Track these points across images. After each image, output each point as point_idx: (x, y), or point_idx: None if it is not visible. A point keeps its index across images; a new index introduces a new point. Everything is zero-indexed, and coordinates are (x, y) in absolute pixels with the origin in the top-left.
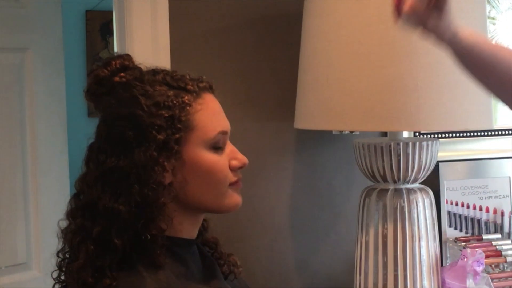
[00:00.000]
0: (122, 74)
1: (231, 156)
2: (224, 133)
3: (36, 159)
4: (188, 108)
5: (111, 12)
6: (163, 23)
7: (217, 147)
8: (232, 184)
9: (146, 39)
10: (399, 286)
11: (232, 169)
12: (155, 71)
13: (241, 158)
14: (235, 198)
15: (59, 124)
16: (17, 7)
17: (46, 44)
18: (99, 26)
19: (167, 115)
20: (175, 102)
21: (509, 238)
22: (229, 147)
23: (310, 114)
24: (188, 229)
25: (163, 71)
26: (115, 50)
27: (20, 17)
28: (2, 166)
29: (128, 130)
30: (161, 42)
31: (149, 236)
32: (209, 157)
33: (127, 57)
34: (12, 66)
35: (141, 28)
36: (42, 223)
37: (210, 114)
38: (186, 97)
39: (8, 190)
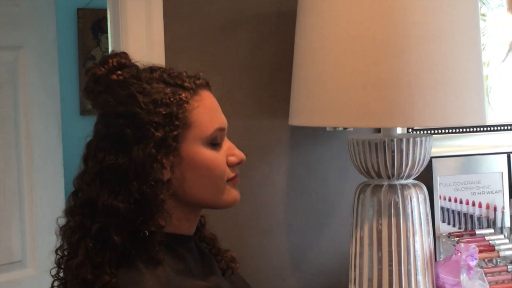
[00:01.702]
0: (119, 72)
1: (229, 152)
2: (221, 129)
3: (30, 157)
4: (185, 105)
5: (102, 10)
6: (158, 21)
7: (214, 144)
8: (230, 180)
9: (141, 37)
10: (394, 281)
11: (230, 165)
12: (152, 69)
13: (238, 154)
14: (233, 194)
15: (53, 122)
16: (11, 6)
17: (40, 42)
18: (91, 24)
19: (164, 112)
20: (172, 99)
21: (501, 233)
22: (227, 144)
23: (304, 111)
24: (186, 225)
25: (160, 68)
26: (110, 48)
27: (14, 15)
28: None
29: (126, 127)
30: (156, 40)
31: (147, 233)
32: (207, 153)
33: (124, 55)
34: (6, 64)
35: (135, 26)
36: (37, 221)
37: (208, 110)
38: (184, 94)
39: (2, 188)
